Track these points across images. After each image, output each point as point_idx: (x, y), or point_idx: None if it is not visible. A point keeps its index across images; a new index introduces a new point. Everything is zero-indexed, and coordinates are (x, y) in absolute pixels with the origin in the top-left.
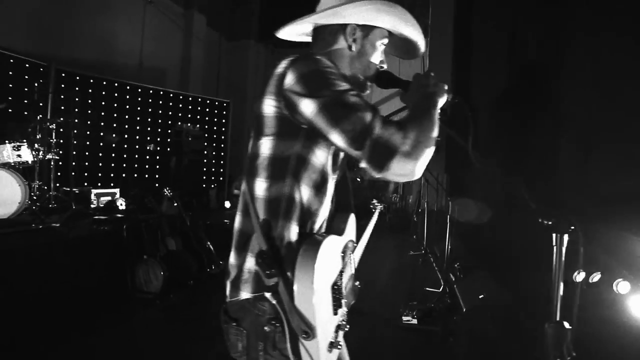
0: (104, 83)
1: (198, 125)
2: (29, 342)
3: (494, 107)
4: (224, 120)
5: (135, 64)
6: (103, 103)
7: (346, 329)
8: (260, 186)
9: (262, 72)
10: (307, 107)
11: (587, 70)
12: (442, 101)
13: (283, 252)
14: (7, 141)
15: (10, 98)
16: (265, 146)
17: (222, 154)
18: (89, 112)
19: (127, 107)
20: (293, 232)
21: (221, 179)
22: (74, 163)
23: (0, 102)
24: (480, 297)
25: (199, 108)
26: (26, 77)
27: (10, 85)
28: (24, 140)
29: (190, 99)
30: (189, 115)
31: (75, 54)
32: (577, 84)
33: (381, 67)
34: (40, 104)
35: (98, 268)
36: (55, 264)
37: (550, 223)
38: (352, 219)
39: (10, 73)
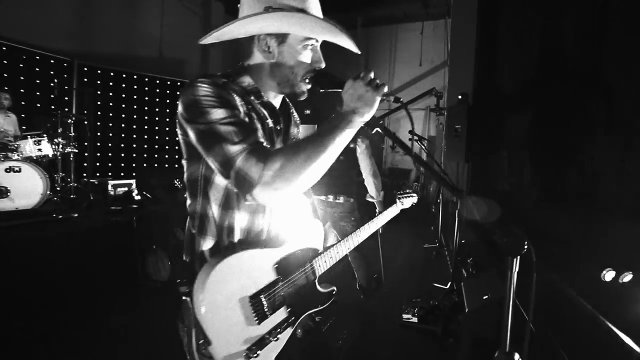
0: (124, 76)
1: None
2: (43, 327)
3: (524, 94)
4: None
5: (155, 56)
6: (123, 95)
7: (276, 340)
8: (187, 202)
9: None
10: (191, 134)
11: (629, 54)
12: (363, 119)
13: (197, 264)
14: (28, 136)
15: (38, 93)
16: (184, 168)
17: None
18: (110, 104)
19: (146, 98)
20: (207, 246)
21: None
22: (98, 154)
23: None
24: (484, 297)
25: None
26: (51, 72)
27: (38, 81)
28: (44, 135)
29: None
30: None
31: (97, 49)
32: (618, 70)
33: (318, 68)
34: (66, 98)
35: (111, 257)
36: (71, 253)
37: (504, 241)
38: (309, 228)
39: (37, 69)
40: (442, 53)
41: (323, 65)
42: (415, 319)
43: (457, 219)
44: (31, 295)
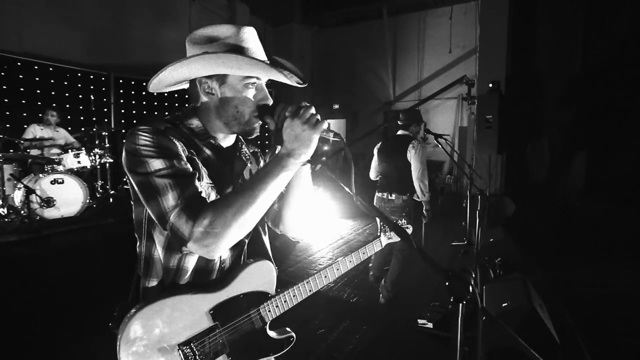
0: None
1: None
2: (74, 326)
3: (566, 80)
4: None
5: None
6: (155, 103)
7: None
8: (136, 244)
9: (308, 54)
10: (132, 182)
11: None
12: (299, 160)
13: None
14: (68, 150)
15: (80, 107)
16: (133, 210)
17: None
18: (144, 113)
19: (176, 105)
20: (149, 287)
21: None
22: None
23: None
24: (503, 305)
25: None
26: (91, 87)
27: (80, 96)
28: (82, 148)
29: None
30: None
31: (130, 61)
32: None
33: (265, 104)
34: (105, 109)
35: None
36: (104, 256)
37: (449, 287)
38: (252, 270)
39: (79, 85)
40: (473, 38)
41: (270, 102)
42: (430, 324)
43: (477, 217)
44: (68, 296)
